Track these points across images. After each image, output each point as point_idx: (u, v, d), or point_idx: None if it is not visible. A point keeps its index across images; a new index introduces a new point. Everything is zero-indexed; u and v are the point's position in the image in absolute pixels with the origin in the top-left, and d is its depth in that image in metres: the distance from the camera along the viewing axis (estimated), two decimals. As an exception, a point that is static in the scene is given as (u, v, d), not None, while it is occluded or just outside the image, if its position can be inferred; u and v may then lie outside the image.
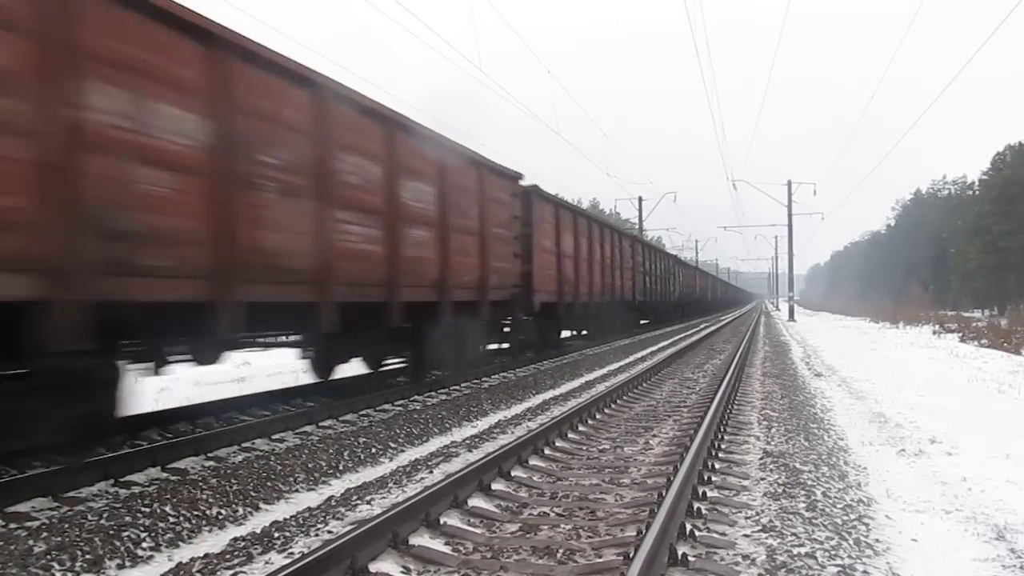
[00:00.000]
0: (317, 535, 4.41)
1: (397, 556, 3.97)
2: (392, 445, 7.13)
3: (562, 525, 4.53)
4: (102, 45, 4.94)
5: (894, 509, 5.01)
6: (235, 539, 4.32)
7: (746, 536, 4.27)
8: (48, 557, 3.95)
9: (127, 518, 4.54)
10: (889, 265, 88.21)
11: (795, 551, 3.97)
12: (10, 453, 5.33)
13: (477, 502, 4.98)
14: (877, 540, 4.31)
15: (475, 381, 11.63)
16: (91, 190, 4.84)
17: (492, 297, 11.58)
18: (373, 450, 6.86)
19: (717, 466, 5.91)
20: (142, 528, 4.44)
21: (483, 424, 8.33)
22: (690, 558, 3.78)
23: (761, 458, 6.26)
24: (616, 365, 15.32)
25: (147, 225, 5.26)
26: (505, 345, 13.81)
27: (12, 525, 4.45)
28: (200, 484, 5.32)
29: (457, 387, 10.97)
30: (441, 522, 4.48)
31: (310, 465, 6.11)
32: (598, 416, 8.54)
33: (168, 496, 5.00)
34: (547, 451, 6.65)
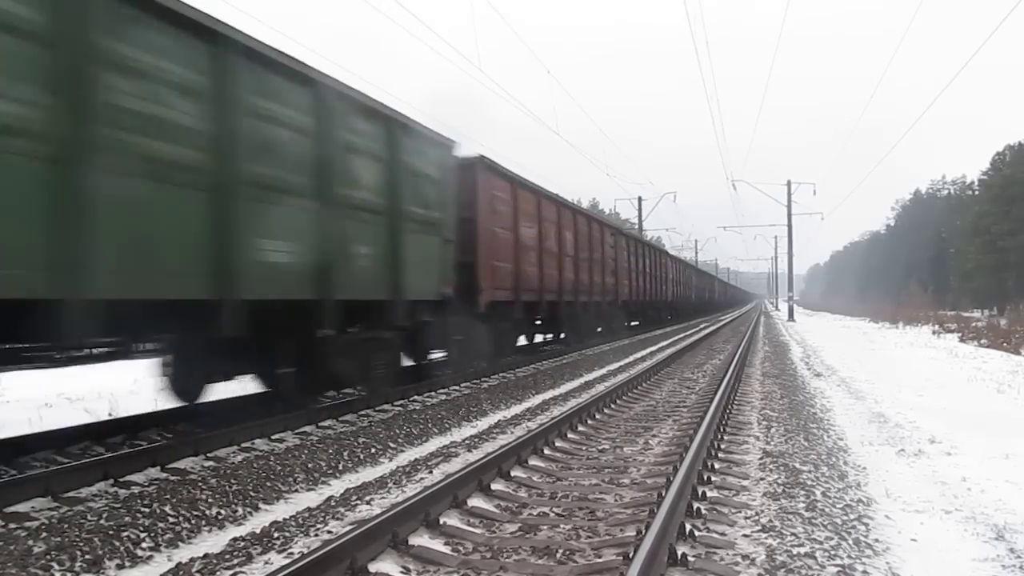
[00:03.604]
0: (317, 535, 4.40)
1: (397, 556, 3.97)
2: (392, 445, 7.13)
3: (562, 525, 4.53)
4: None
5: (894, 509, 5.01)
6: (235, 539, 4.32)
7: (746, 536, 4.27)
8: (48, 557, 3.95)
9: (127, 518, 4.54)
10: (889, 265, 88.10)
11: (795, 551, 3.98)
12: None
13: (477, 502, 4.98)
14: (876, 540, 4.31)
15: (475, 381, 11.64)
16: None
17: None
18: (373, 450, 6.86)
19: (717, 466, 5.91)
20: (142, 528, 4.44)
21: (483, 424, 8.33)
22: (690, 558, 3.78)
23: (761, 458, 6.26)
24: (616, 365, 15.32)
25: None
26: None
27: (12, 525, 4.45)
28: (200, 484, 5.32)
29: (457, 387, 10.97)
30: (441, 522, 4.48)
31: (310, 465, 6.11)
32: (598, 416, 8.54)
33: (168, 496, 5.00)
34: (547, 451, 6.65)
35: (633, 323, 27.39)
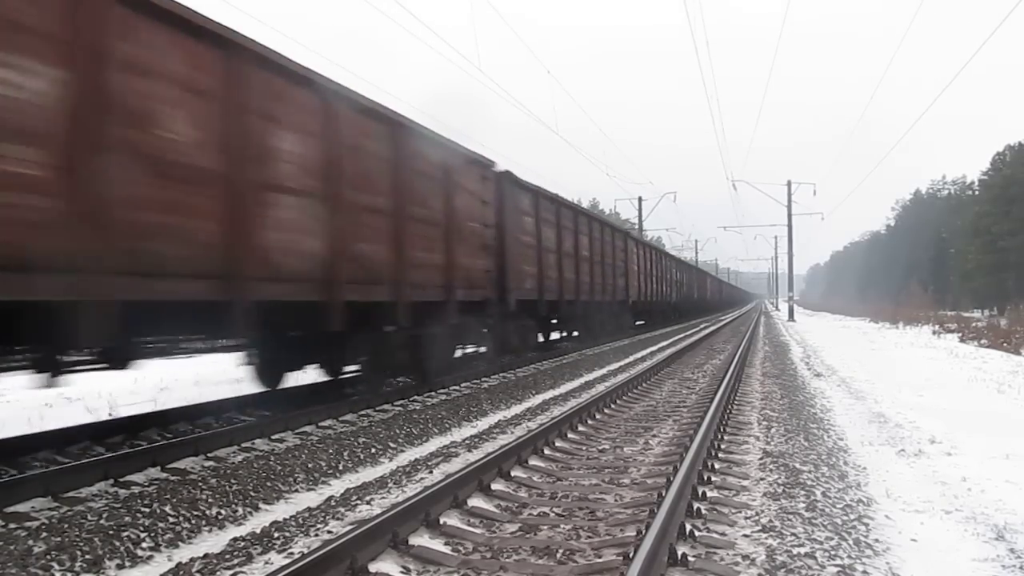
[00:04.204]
0: (317, 535, 4.41)
1: (397, 556, 3.97)
2: (392, 445, 7.13)
3: (562, 525, 4.53)
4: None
5: (894, 509, 5.01)
6: (235, 539, 4.32)
7: (746, 536, 4.27)
8: (48, 557, 3.95)
9: (127, 518, 4.54)
10: (889, 265, 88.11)
11: (795, 551, 3.98)
12: None
13: (477, 502, 4.98)
14: (877, 540, 4.31)
15: (475, 381, 11.64)
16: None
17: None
18: (373, 450, 6.86)
19: (717, 466, 5.91)
20: (142, 528, 4.44)
21: (483, 424, 8.33)
22: (690, 558, 3.78)
23: (761, 458, 6.26)
24: (616, 365, 15.32)
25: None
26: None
27: (12, 525, 4.45)
28: (200, 484, 5.32)
29: (457, 387, 10.97)
30: (441, 522, 4.48)
31: (310, 465, 6.11)
32: (598, 416, 8.54)
33: (168, 496, 5.00)
34: (547, 451, 6.64)
35: (553, 335, 18.95)
